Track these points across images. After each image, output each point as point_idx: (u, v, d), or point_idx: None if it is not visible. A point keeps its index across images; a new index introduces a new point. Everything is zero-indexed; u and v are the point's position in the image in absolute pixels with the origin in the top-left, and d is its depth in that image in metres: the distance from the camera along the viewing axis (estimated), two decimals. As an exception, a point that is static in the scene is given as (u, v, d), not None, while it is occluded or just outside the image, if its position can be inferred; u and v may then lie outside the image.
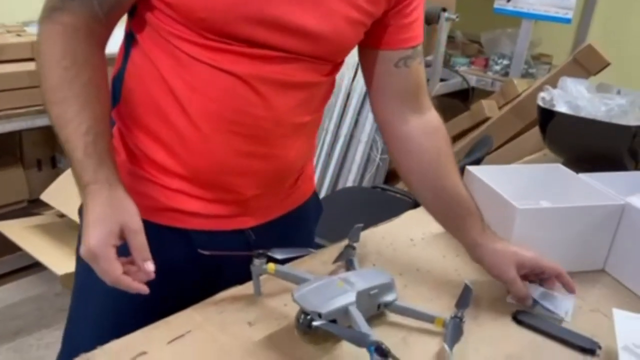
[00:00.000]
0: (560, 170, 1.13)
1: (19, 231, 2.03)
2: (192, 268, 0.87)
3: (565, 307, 0.87)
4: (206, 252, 0.79)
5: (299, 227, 1.00)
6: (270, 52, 0.76)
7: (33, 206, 2.31)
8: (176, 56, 0.76)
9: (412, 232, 1.09)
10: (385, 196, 2.19)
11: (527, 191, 1.08)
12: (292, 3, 0.74)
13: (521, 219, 0.92)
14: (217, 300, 0.82)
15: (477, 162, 1.69)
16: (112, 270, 0.67)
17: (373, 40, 0.87)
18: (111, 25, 0.78)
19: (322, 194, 2.81)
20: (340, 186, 2.81)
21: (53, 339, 1.98)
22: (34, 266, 2.23)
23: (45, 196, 1.99)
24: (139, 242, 0.69)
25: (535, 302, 0.87)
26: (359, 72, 2.05)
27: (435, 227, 1.00)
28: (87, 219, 0.69)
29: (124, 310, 0.80)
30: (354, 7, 0.78)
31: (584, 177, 1.08)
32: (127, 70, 0.81)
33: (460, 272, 0.96)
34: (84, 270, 0.90)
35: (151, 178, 0.83)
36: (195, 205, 0.84)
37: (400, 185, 2.69)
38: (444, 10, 2.48)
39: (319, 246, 1.03)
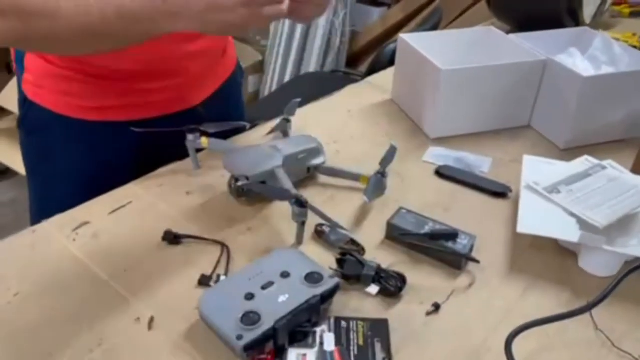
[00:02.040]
0: (491, 32, 1.16)
1: (-19, 138, 2.05)
2: (142, 155, 0.91)
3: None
4: (137, 130, 0.83)
5: (236, 92, 1.10)
6: None
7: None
8: None
9: (351, 104, 1.13)
10: (345, 80, 2.20)
11: (458, 55, 1.10)
12: None
13: (445, 80, 0.96)
14: (157, 174, 0.87)
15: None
16: None
17: None
18: None
19: (285, 80, 2.82)
20: (303, 72, 2.81)
21: (32, 238, 2.06)
22: (5, 172, 2.27)
23: (1, 100, 1.99)
24: None
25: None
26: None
27: (373, 99, 1.14)
28: None
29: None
30: None
31: (513, 37, 1.11)
32: None
33: (392, 136, 1.02)
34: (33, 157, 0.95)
35: (96, 82, 0.85)
36: (148, 95, 0.89)
37: (361, 69, 2.69)
38: None
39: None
